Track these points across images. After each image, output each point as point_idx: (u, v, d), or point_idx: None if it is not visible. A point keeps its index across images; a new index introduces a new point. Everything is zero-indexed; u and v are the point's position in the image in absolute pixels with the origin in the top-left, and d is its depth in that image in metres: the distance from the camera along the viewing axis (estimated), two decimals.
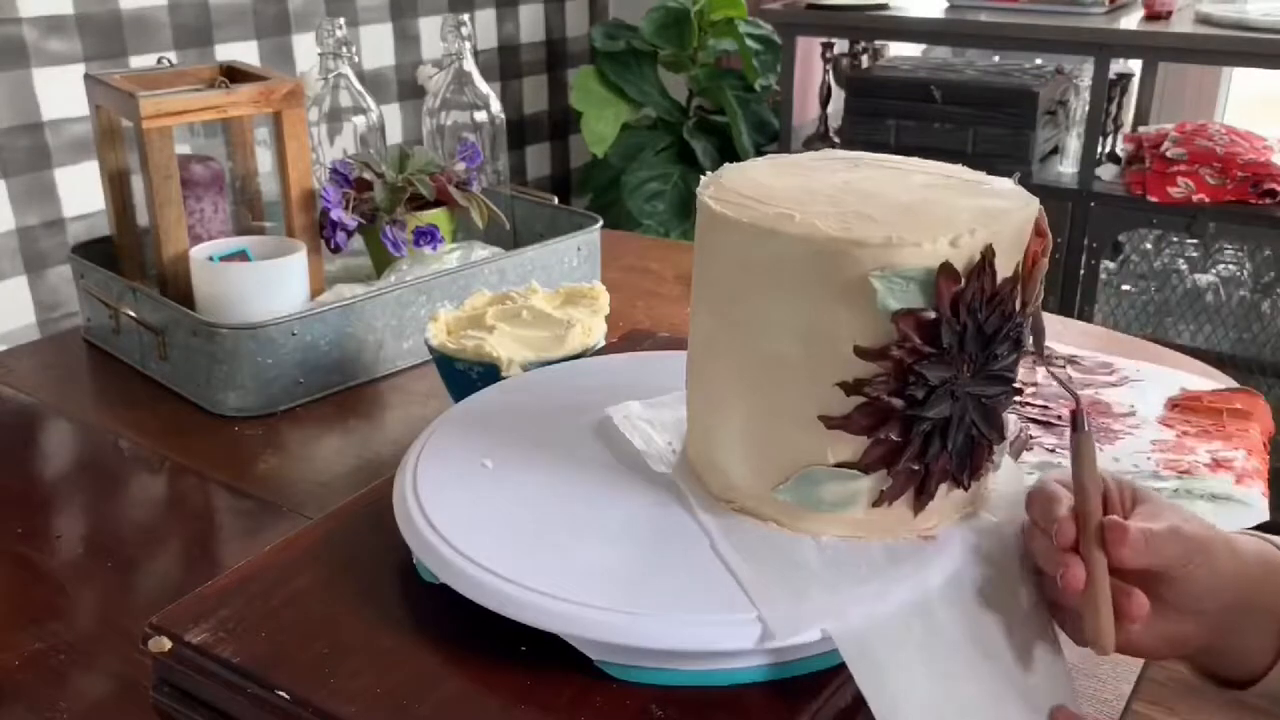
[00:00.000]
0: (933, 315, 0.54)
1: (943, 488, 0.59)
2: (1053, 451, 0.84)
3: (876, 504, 0.58)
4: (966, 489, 0.60)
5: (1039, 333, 0.60)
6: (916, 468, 0.58)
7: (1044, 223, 0.58)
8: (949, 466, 0.58)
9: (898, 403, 0.56)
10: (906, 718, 0.52)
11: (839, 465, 0.58)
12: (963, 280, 0.54)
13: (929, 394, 0.55)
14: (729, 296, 0.60)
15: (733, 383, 0.61)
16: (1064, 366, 0.96)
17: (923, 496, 0.58)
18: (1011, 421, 0.78)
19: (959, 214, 0.56)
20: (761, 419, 0.60)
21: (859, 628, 0.54)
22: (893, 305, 0.54)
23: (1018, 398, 0.90)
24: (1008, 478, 0.66)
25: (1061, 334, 1.14)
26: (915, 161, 0.66)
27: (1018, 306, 0.57)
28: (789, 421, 0.58)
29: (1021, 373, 0.64)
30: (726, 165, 0.66)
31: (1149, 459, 0.83)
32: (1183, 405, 0.90)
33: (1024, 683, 0.56)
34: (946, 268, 0.54)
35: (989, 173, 0.64)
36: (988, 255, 0.54)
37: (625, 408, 0.72)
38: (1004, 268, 0.56)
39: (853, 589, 0.56)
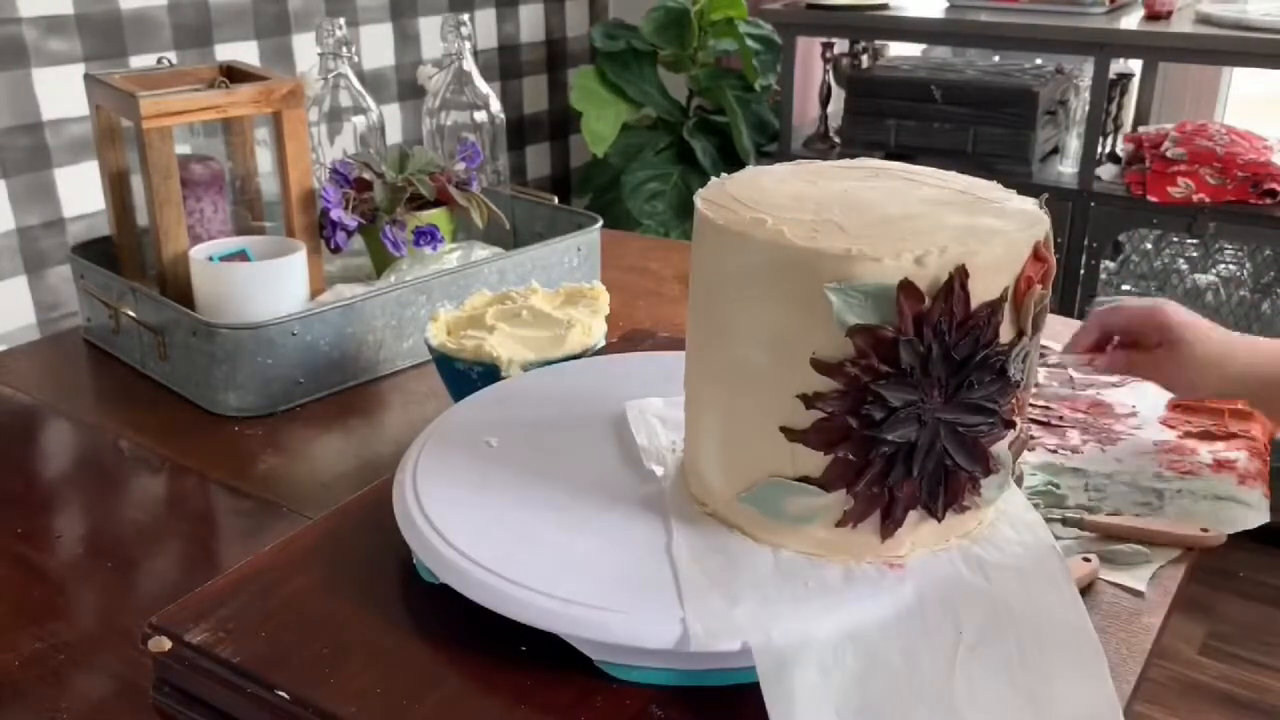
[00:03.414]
0: (891, 334, 0.53)
1: (912, 515, 0.57)
2: (1054, 452, 0.84)
3: (840, 524, 0.57)
4: (940, 519, 0.58)
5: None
6: (878, 491, 0.56)
7: (1046, 247, 0.56)
8: (917, 494, 0.56)
9: (854, 421, 0.54)
10: (788, 705, 0.51)
11: (801, 479, 0.57)
12: (927, 300, 0.52)
13: (889, 415, 0.54)
14: (706, 299, 0.60)
15: (707, 387, 0.61)
16: (1065, 367, 0.96)
17: (889, 522, 0.57)
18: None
19: (939, 231, 0.54)
20: (731, 425, 0.59)
21: (782, 646, 0.53)
22: (849, 319, 0.52)
23: None
24: (1017, 517, 0.63)
25: (1061, 334, 1.14)
26: (940, 174, 0.64)
27: (1002, 334, 0.55)
28: (754, 430, 0.58)
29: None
30: (749, 168, 0.65)
31: (1152, 460, 0.83)
32: (1184, 405, 0.90)
33: None
34: (907, 285, 0.52)
35: (989, 173, 0.63)
36: (958, 276, 0.52)
37: (644, 403, 0.72)
38: (983, 291, 0.54)
39: (791, 605, 0.55)
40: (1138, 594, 0.71)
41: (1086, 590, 0.67)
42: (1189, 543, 0.74)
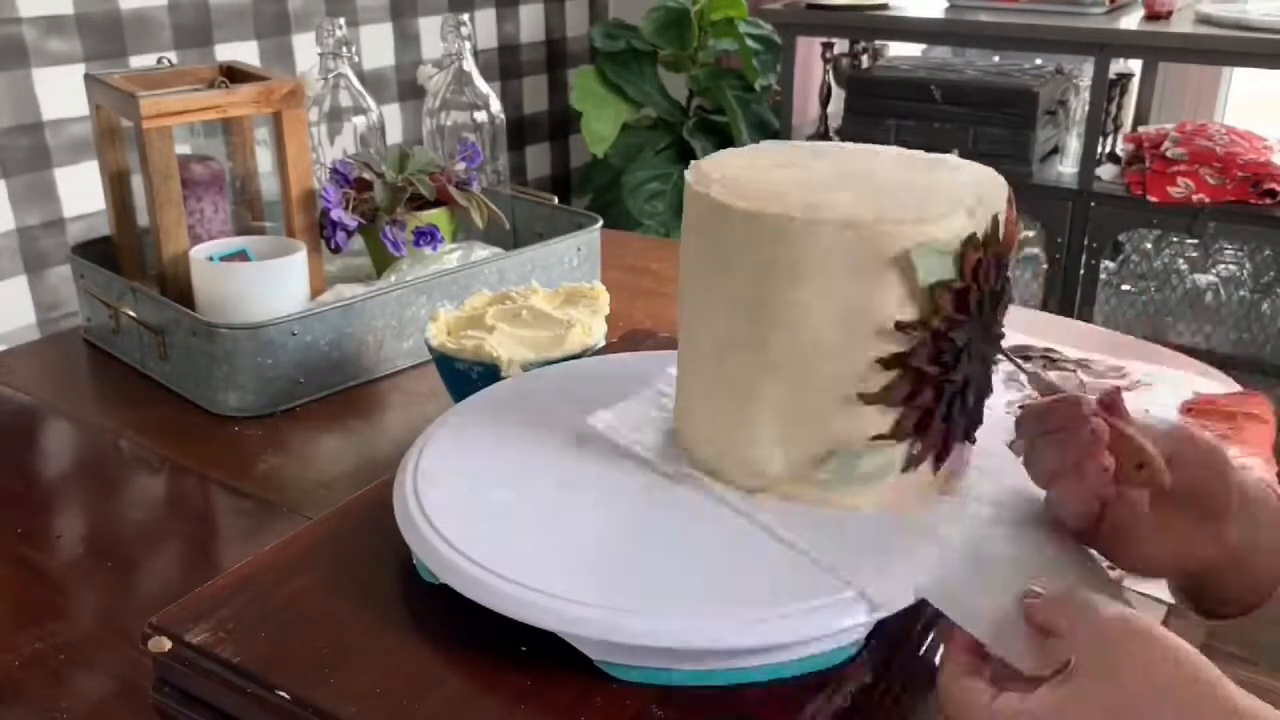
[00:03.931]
0: (960, 284, 0.57)
1: (957, 446, 0.62)
2: None
3: (905, 469, 0.61)
4: (974, 442, 0.64)
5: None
6: (944, 427, 0.60)
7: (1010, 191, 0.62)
8: (964, 423, 0.62)
9: (933, 369, 0.58)
10: (980, 621, 0.54)
11: (876, 438, 0.59)
12: (982, 249, 0.57)
13: (956, 357, 0.58)
14: (755, 290, 0.60)
15: (762, 374, 0.61)
16: (1075, 370, 0.96)
17: (941, 456, 0.61)
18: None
19: (960, 189, 0.59)
20: (797, 404, 0.60)
21: (938, 581, 0.56)
22: (932, 277, 0.56)
23: (1022, 392, 0.91)
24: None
25: (1064, 336, 1.14)
26: (870, 147, 0.69)
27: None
28: (827, 403, 0.60)
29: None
30: (707, 158, 0.66)
31: None
32: (1197, 409, 0.88)
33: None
34: (972, 238, 0.57)
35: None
36: (996, 222, 0.58)
37: (600, 418, 0.71)
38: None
39: (906, 556, 0.58)
40: (1163, 603, 0.71)
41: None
42: None
